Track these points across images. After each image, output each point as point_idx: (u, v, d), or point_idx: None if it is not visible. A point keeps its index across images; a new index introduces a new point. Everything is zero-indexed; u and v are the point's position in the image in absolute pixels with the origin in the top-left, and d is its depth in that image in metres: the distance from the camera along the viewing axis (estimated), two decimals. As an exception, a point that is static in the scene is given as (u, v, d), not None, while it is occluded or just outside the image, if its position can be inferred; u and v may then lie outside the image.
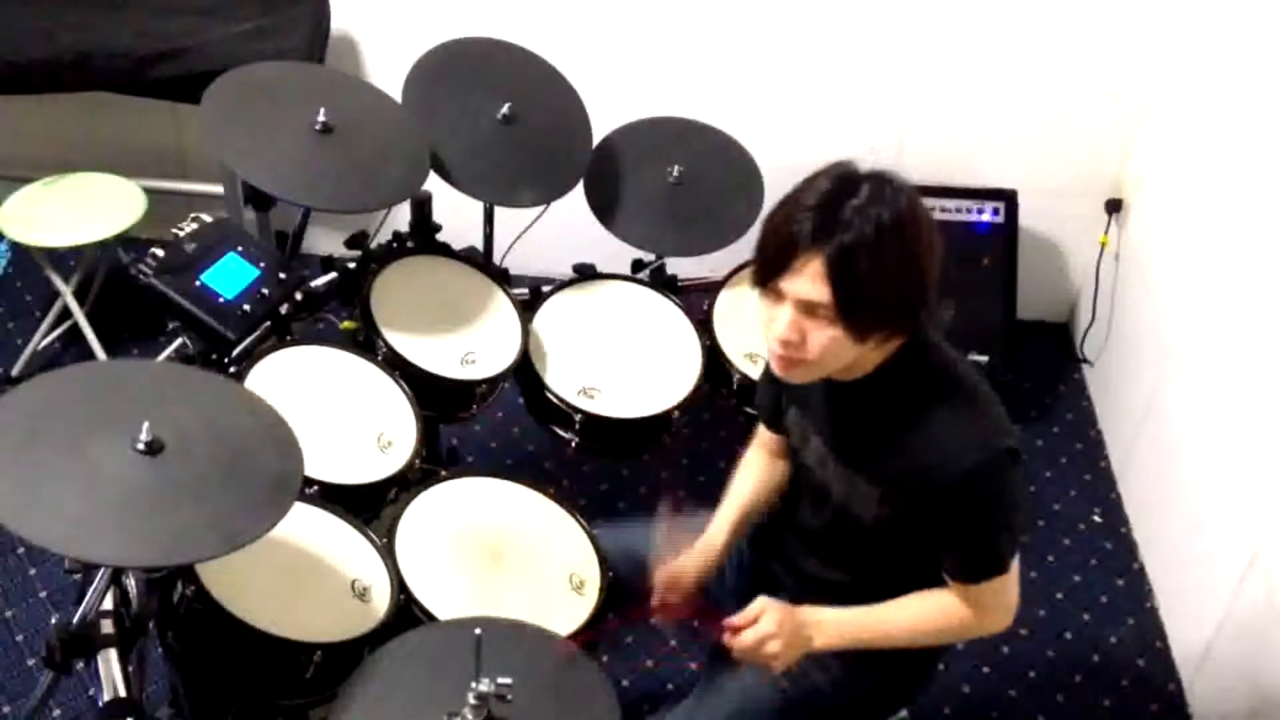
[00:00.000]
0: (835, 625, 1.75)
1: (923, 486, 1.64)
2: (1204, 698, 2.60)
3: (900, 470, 1.67)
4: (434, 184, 2.36)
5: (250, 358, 2.11)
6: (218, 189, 3.08)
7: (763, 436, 2.02)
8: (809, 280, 1.54)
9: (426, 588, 1.90)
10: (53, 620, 1.79)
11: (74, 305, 3.03)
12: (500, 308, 2.42)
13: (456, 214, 2.52)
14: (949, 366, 1.69)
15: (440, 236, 2.50)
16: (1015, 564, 1.72)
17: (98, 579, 1.84)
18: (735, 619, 1.74)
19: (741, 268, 2.60)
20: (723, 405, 2.44)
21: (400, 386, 2.19)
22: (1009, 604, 1.76)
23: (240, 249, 2.20)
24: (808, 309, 1.56)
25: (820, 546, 1.88)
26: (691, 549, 1.90)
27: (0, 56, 2.88)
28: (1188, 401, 2.78)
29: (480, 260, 2.53)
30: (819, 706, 1.88)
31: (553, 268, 2.69)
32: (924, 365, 1.67)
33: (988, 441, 1.63)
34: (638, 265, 2.65)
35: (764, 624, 1.71)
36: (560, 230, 2.59)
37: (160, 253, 2.11)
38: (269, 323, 2.24)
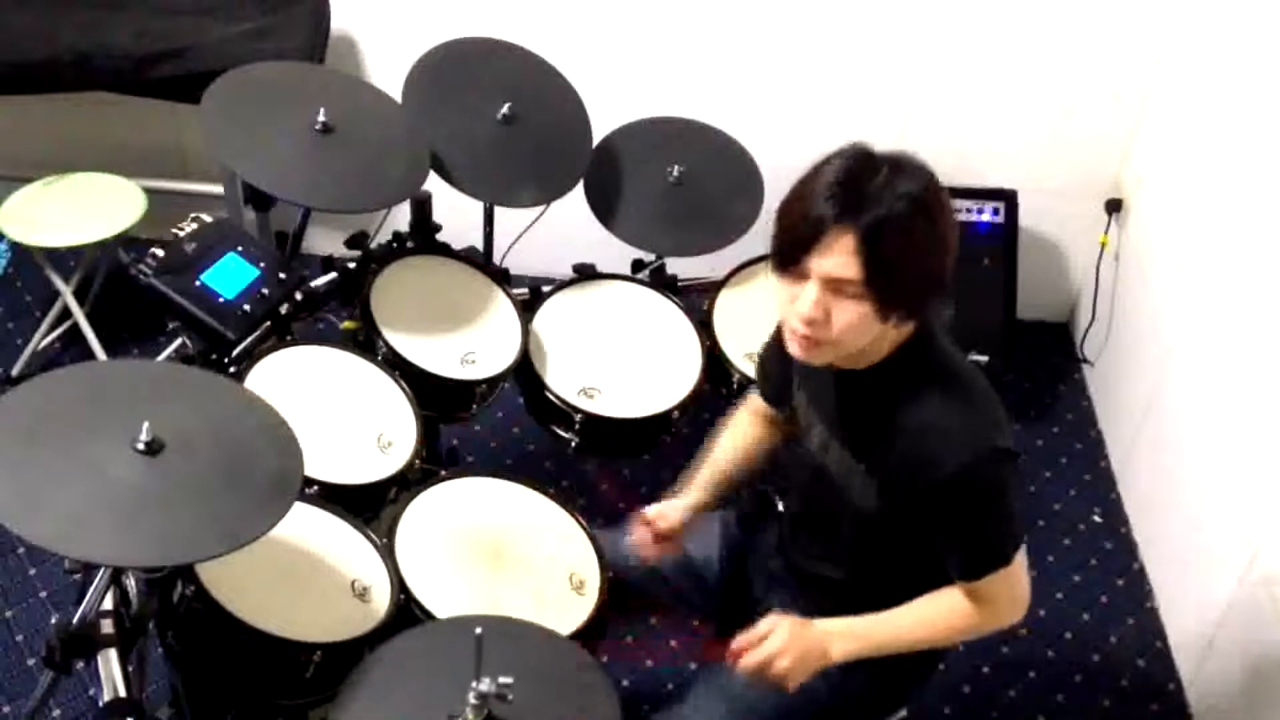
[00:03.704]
0: (852, 634, 1.74)
1: (916, 481, 1.64)
2: (1204, 697, 2.60)
3: (896, 462, 1.67)
4: (434, 184, 2.36)
5: (250, 358, 2.11)
6: (218, 189, 3.07)
7: (753, 402, 2.02)
8: (840, 256, 1.52)
9: (426, 587, 1.91)
10: (53, 620, 1.79)
11: (74, 305, 3.03)
12: (500, 308, 2.42)
13: (456, 214, 2.52)
14: (951, 362, 1.69)
15: (440, 236, 2.50)
16: (1021, 556, 1.71)
17: (98, 579, 1.84)
18: (740, 640, 1.72)
19: (741, 267, 2.60)
20: (723, 405, 2.44)
21: (400, 386, 2.19)
22: (1018, 596, 1.75)
23: (240, 249, 2.20)
24: (835, 286, 1.54)
25: (817, 539, 1.88)
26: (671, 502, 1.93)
27: (0, 56, 2.88)
28: (1188, 401, 2.78)
29: (480, 260, 2.53)
30: (817, 707, 1.88)
31: (553, 268, 2.69)
32: (928, 359, 1.67)
33: (981, 440, 1.63)
34: (638, 265, 2.65)
35: (771, 642, 1.69)
36: (560, 230, 2.59)
37: (160, 253, 2.11)
38: (269, 323, 2.23)
